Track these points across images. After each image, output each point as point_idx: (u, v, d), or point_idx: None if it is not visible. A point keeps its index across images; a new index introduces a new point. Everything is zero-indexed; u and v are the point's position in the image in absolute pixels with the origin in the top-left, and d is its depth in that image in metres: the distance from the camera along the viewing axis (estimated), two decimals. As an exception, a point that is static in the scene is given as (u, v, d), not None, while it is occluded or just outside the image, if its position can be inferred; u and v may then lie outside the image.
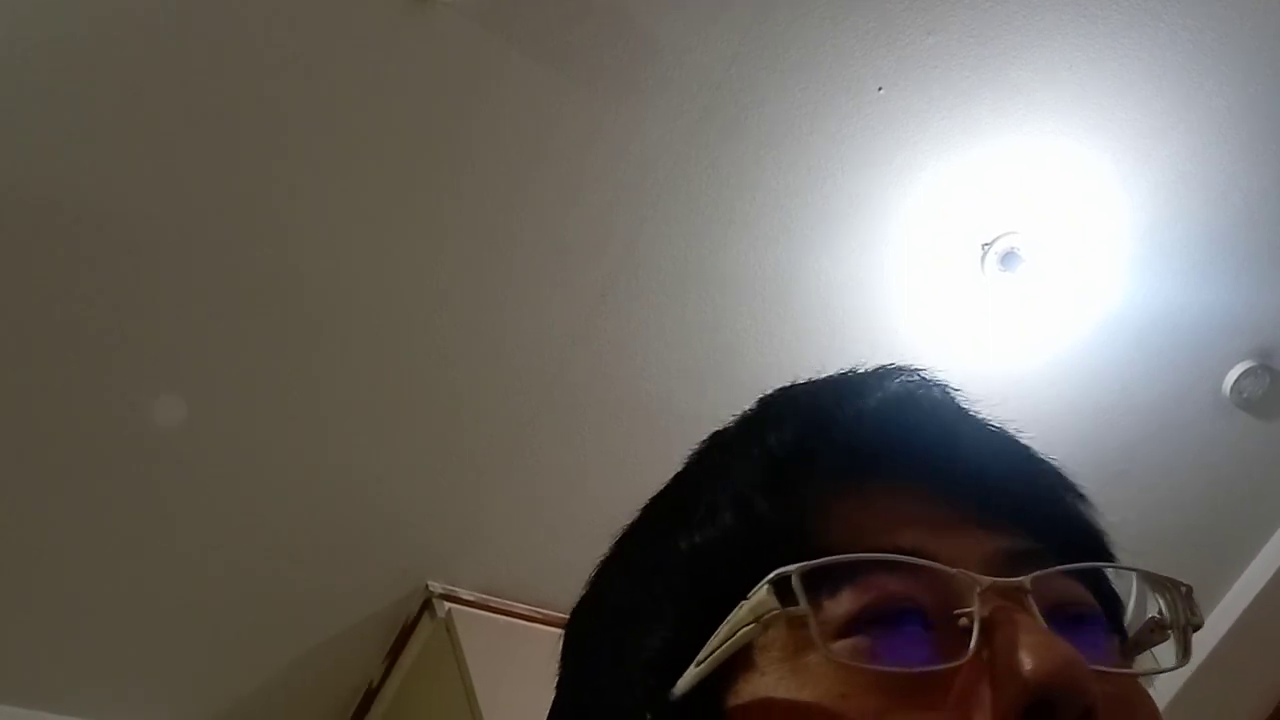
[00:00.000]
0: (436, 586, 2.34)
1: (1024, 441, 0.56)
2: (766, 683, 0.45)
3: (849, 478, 0.49)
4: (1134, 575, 0.51)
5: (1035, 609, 0.44)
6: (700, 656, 0.47)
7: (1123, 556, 0.52)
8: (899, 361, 0.55)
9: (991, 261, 2.21)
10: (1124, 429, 2.50)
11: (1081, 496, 0.55)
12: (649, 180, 2.03)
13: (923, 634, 0.45)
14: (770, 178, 2.07)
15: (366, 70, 1.84)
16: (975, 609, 0.44)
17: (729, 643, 0.46)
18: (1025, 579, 0.45)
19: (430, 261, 2.04)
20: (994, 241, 2.20)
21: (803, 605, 0.44)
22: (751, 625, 0.45)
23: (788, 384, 0.56)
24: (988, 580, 0.45)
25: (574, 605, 0.57)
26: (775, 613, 0.45)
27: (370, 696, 2.42)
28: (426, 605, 2.35)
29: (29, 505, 2.05)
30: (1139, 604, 0.51)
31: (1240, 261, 2.33)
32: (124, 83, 1.76)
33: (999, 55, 1.99)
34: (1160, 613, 0.50)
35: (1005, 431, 0.56)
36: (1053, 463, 0.56)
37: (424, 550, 2.33)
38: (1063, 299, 2.30)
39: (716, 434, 0.56)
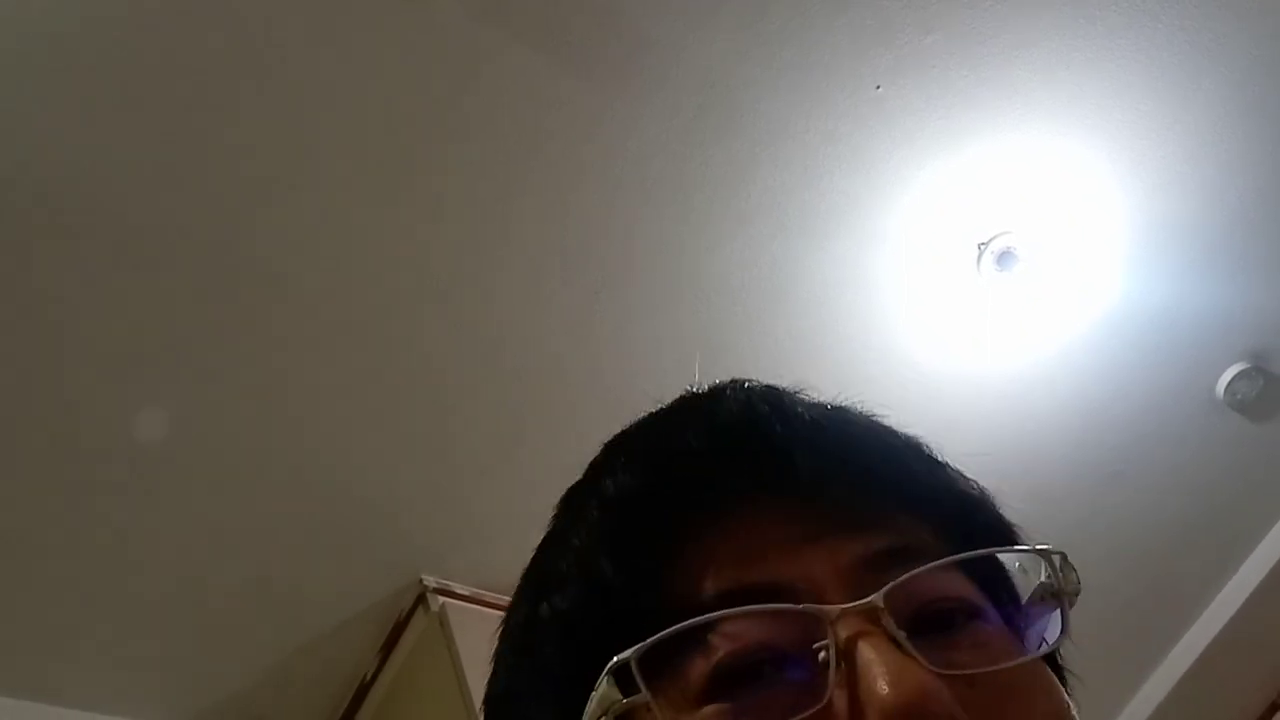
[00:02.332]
0: (430, 581, 2.34)
1: (882, 424, 0.54)
2: None
3: (691, 514, 0.48)
4: (1007, 554, 0.50)
5: (892, 627, 0.43)
6: None
7: (1060, 547, 0.49)
8: (738, 376, 0.53)
9: (987, 261, 2.22)
10: (1118, 429, 2.51)
11: (943, 466, 0.53)
12: (644, 177, 2.03)
13: (785, 678, 0.43)
14: (766, 175, 2.07)
15: (362, 65, 1.84)
16: (830, 641, 0.43)
17: None
18: (878, 596, 0.43)
19: (424, 257, 2.04)
20: (990, 241, 2.21)
21: (643, 694, 0.43)
22: (602, 718, 0.44)
23: (629, 423, 0.54)
24: (837, 610, 0.43)
25: (486, 681, 0.56)
26: (621, 703, 0.43)
27: (364, 690, 2.42)
28: (420, 599, 2.35)
29: (26, 503, 2.05)
30: (1025, 572, 0.49)
31: (1235, 263, 2.33)
32: (117, 77, 1.75)
33: (997, 55, 1.99)
34: (1050, 576, 0.48)
35: (858, 419, 0.53)
36: (911, 439, 0.53)
37: (418, 545, 2.33)
38: (1058, 299, 2.31)
39: (569, 490, 0.54)
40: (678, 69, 1.93)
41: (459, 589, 2.34)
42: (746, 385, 0.53)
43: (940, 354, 2.34)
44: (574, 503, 0.53)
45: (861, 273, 2.21)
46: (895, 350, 2.31)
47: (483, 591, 2.34)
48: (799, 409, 0.51)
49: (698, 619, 0.44)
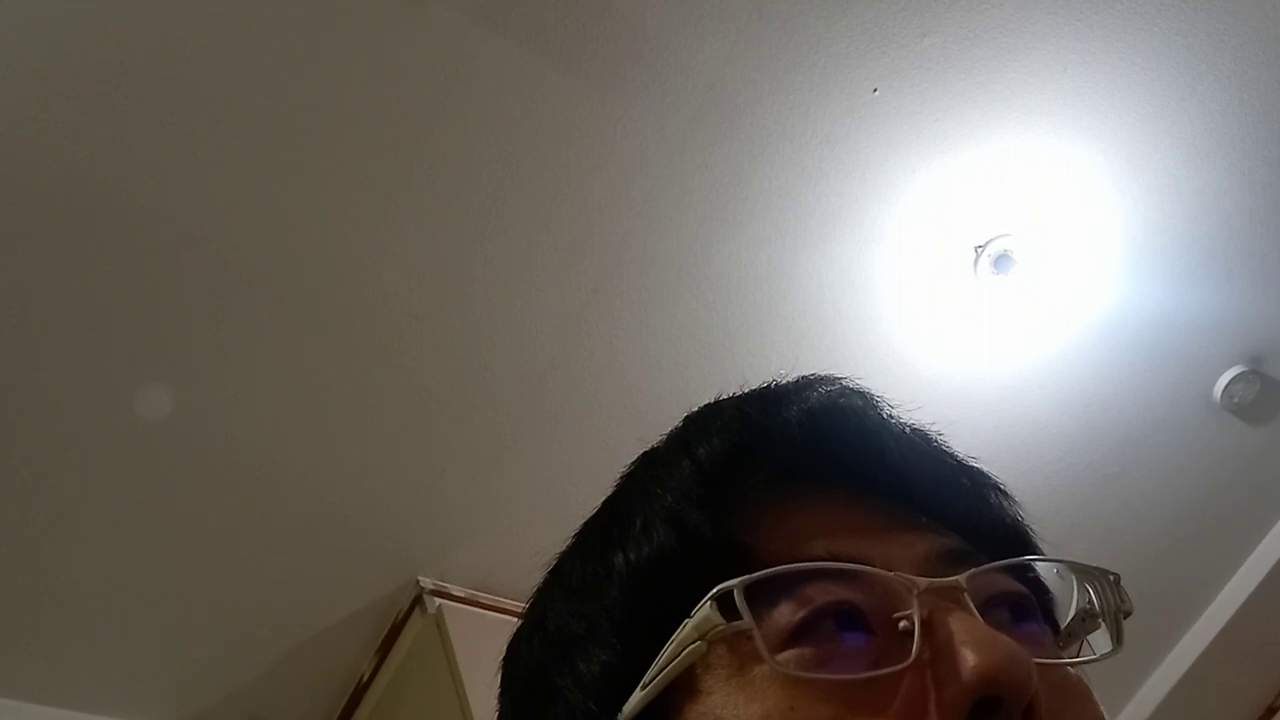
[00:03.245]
0: (427, 582, 2.34)
1: (947, 444, 0.56)
2: (714, 701, 0.45)
3: (779, 486, 0.50)
4: (1063, 567, 0.52)
5: (972, 606, 0.45)
6: (646, 679, 0.46)
7: (1055, 551, 0.53)
8: (824, 371, 0.55)
9: (985, 264, 2.22)
10: (1115, 432, 2.51)
11: (1005, 494, 0.56)
12: (641, 178, 2.03)
13: (866, 639, 0.45)
14: (763, 177, 2.07)
15: (357, 65, 1.84)
16: (914, 611, 0.44)
17: (675, 662, 0.46)
18: (961, 577, 0.46)
19: (419, 257, 2.04)
20: (987, 244, 2.21)
21: (747, 620, 0.44)
22: (697, 643, 0.45)
23: (712, 400, 0.56)
24: (924, 581, 0.45)
25: (512, 634, 0.56)
26: (720, 629, 0.45)
27: (360, 691, 2.42)
28: (417, 601, 2.35)
29: (22, 504, 2.05)
30: (1069, 595, 0.51)
31: (1232, 266, 2.34)
32: (112, 73, 1.76)
33: (994, 58, 1.99)
34: (1090, 602, 0.51)
35: (929, 435, 0.56)
36: (976, 463, 0.57)
37: (414, 546, 2.33)
38: (1055, 302, 2.31)
39: (647, 453, 0.56)
40: (675, 71, 1.93)
41: (456, 590, 2.34)
42: (838, 379, 0.55)
43: (937, 356, 2.34)
44: (657, 463, 0.54)
45: (858, 275, 2.21)
46: (892, 352, 2.31)
47: (479, 593, 2.34)
48: (886, 412, 0.54)
49: (801, 565, 0.46)
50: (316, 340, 2.07)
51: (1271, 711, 2.87)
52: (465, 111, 1.91)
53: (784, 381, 0.56)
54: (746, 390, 0.56)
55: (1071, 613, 0.51)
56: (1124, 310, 2.34)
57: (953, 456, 0.56)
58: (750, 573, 0.45)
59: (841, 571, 0.46)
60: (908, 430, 0.55)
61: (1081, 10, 1.96)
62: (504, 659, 0.56)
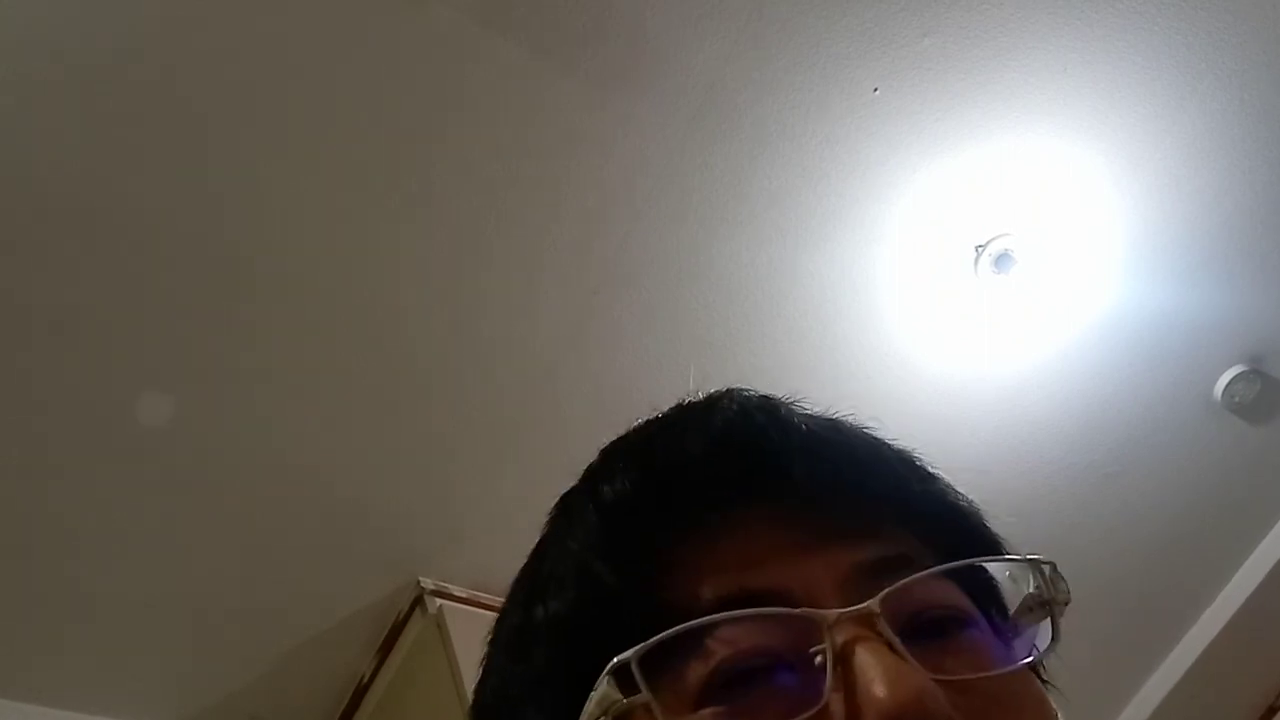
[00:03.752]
0: (428, 583, 2.34)
1: (874, 435, 0.54)
2: None
3: (689, 518, 0.48)
4: (997, 563, 0.51)
5: (888, 631, 0.43)
6: None
7: (1053, 551, 0.50)
8: (734, 385, 0.54)
9: (985, 263, 2.22)
10: (1116, 432, 2.51)
11: (935, 479, 0.54)
12: (642, 178, 2.03)
13: (782, 681, 0.44)
14: (764, 178, 2.07)
15: (357, 65, 1.84)
16: (827, 645, 0.43)
17: None
18: (874, 602, 0.44)
19: (421, 258, 2.04)
20: (988, 243, 2.21)
21: (644, 694, 0.43)
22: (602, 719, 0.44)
23: (625, 429, 0.55)
24: (834, 614, 0.44)
25: (472, 694, 0.56)
26: (621, 704, 0.44)
27: (361, 691, 2.42)
28: (418, 601, 2.35)
29: (21, 505, 2.05)
30: (1014, 583, 0.50)
31: (1233, 266, 2.34)
32: (113, 77, 1.76)
33: (994, 57, 1.99)
34: (1035, 589, 0.49)
35: (852, 430, 0.54)
36: (905, 451, 0.54)
37: (415, 546, 2.33)
38: (1056, 301, 2.31)
39: (564, 496, 0.55)
40: (676, 71, 1.93)
41: (456, 591, 2.34)
42: (743, 394, 0.53)
43: (938, 356, 2.34)
44: (570, 508, 0.53)
45: (859, 274, 2.21)
46: (893, 352, 2.31)
47: (480, 593, 2.34)
48: (795, 419, 0.52)
49: (698, 621, 0.44)
50: (316, 343, 2.07)
51: (1272, 711, 2.87)
52: (465, 113, 1.91)
53: (695, 401, 0.54)
54: (658, 414, 0.54)
55: (1018, 602, 0.49)
56: (1124, 310, 2.34)
57: (880, 449, 0.53)
58: (657, 627, 0.44)
59: (747, 616, 0.44)
60: (825, 432, 0.52)
61: (1081, 10, 1.96)
62: (470, 710, 0.56)
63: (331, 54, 1.82)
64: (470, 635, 2.23)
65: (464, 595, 2.34)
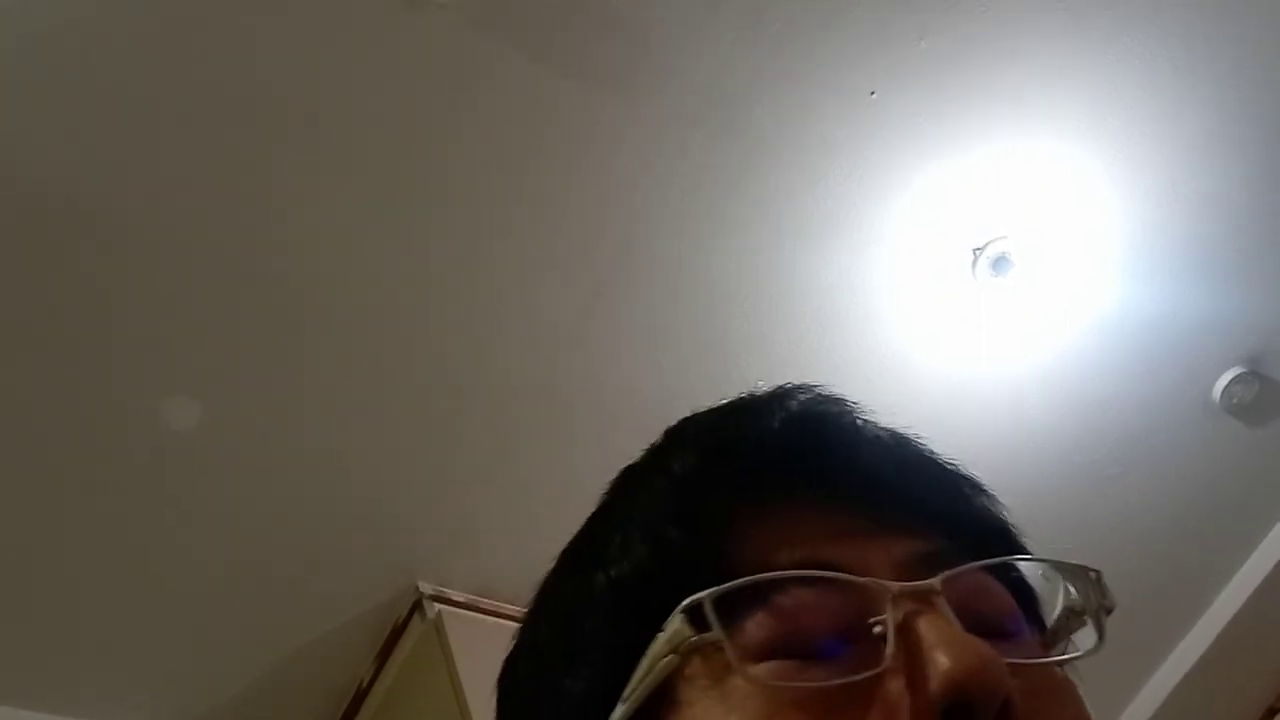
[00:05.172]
0: (427, 587, 2.34)
1: (927, 446, 0.56)
2: (694, 712, 0.45)
3: (755, 496, 0.50)
4: (1045, 565, 0.52)
5: (947, 609, 0.45)
6: (625, 693, 0.47)
7: (1052, 551, 0.52)
8: (801, 380, 0.55)
9: (983, 266, 2.22)
10: (1114, 433, 2.51)
11: (985, 493, 0.56)
12: (641, 182, 2.03)
13: (841, 646, 0.45)
14: (762, 180, 2.07)
15: (360, 69, 1.84)
16: (888, 615, 0.44)
17: (650, 676, 0.46)
18: (935, 580, 0.45)
19: (422, 261, 2.04)
20: (986, 246, 2.21)
21: (716, 631, 0.44)
22: (670, 657, 0.45)
23: (690, 413, 0.56)
24: (897, 586, 0.45)
25: (505, 658, 0.57)
26: (691, 641, 0.45)
27: (360, 697, 2.42)
28: (417, 606, 2.35)
29: (20, 508, 2.05)
30: (1054, 594, 0.51)
31: (1232, 267, 2.34)
32: (123, 82, 1.76)
33: (991, 60, 2.00)
34: (1074, 599, 0.50)
35: (907, 438, 0.56)
36: (955, 464, 0.56)
37: (414, 551, 2.33)
38: (1054, 304, 2.31)
39: (626, 469, 0.56)
40: (674, 74, 1.93)
41: (455, 595, 2.34)
42: (814, 387, 0.55)
43: (936, 358, 2.34)
44: (635, 481, 0.55)
45: (857, 277, 2.21)
46: (891, 354, 2.31)
47: (479, 598, 2.34)
48: (860, 416, 0.54)
49: (772, 574, 0.46)
50: (313, 347, 2.07)
51: (1272, 712, 2.86)
52: (466, 115, 1.91)
53: (759, 392, 0.55)
54: (723, 402, 0.56)
55: (1057, 611, 0.51)
56: (1123, 311, 2.34)
57: (933, 458, 0.56)
58: (728, 580, 0.46)
59: (814, 578, 0.46)
60: (884, 435, 0.54)
61: (1079, 13, 1.96)
62: (499, 680, 0.57)
63: (339, 63, 1.82)
64: (469, 640, 2.23)
65: (463, 600, 2.34)
